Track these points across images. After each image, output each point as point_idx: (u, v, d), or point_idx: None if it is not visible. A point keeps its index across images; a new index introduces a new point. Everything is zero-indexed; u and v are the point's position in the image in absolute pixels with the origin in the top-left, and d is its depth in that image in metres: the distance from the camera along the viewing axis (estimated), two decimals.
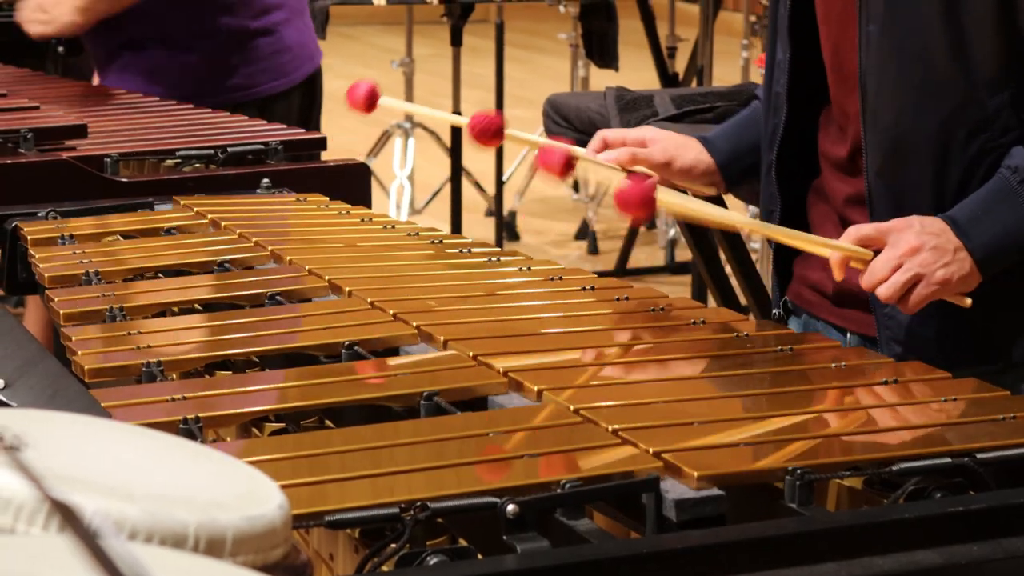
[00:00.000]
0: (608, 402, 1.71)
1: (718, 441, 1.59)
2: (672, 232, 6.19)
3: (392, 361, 1.89)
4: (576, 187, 6.92)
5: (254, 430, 1.86)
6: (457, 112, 5.92)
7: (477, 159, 6.78)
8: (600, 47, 5.90)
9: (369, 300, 2.09)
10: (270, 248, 2.35)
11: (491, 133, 2.17)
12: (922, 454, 1.57)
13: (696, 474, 1.49)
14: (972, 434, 1.65)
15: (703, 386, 1.80)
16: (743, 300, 3.99)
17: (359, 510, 1.42)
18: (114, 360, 1.87)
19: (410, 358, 1.91)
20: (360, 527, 1.54)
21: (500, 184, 6.29)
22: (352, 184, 2.89)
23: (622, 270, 6.09)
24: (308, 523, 1.42)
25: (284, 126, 3.16)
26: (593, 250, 6.49)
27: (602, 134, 2.26)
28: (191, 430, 1.61)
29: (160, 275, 2.31)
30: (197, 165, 2.92)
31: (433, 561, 1.39)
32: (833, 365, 1.87)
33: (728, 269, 3.99)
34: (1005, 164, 2.02)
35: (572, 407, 1.68)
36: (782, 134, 2.22)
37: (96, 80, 3.80)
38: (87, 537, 0.87)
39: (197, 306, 2.17)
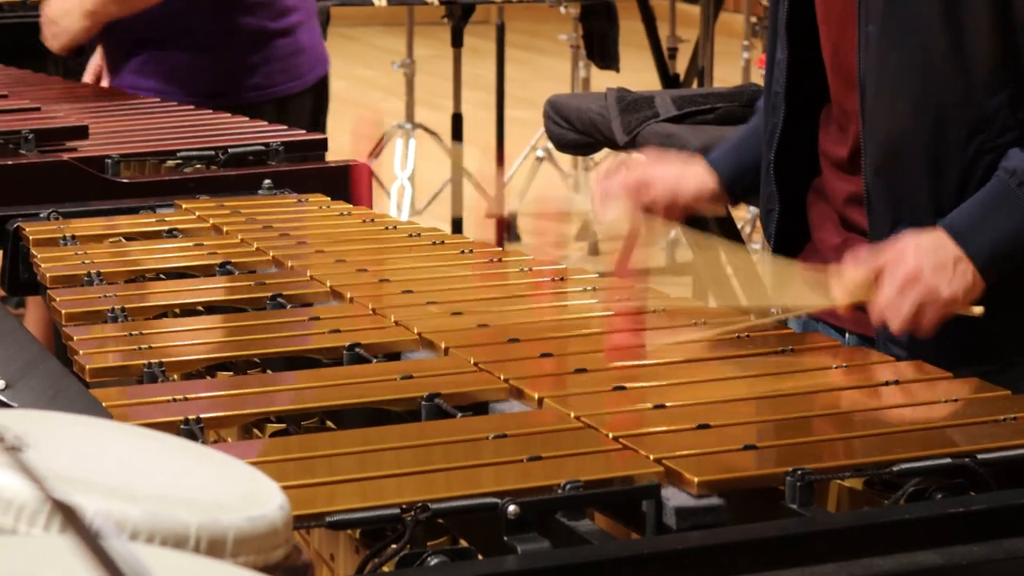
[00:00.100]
0: (608, 408, 1.71)
1: (719, 445, 1.59)
2: (672, 233, 6.18)
3: (393, 366, 1.89)
4: (577, 188, 6.92)
5: (255, 431, 1.86)
6: (458, 114, 5.92)
7: (478, 160, 6.78)
8: (601, 48, 5.90)
9: (370, 306, 2.09)
10: (271, 254, 2.35)
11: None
12: (923, 455, 1.57)
13: (697, 480, 1.49)
14: (973, 435, 1.64)
15: (704, 388, 1.80)
16: (744, 300, 3.99)
17: (360, 511, 1.42)
18: (115, 361, 1.87)
19: (411, 363, 1.91)
20: (361, 528, 1.54)
21: (501, 185, 6.29)
22: (353, 185, 2.89)
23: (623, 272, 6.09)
24: (309, 524, 1.42)
25: (285, 127, 3.16)
26: (594, 251, 6.49)
27: (604, 188, 2.28)
28: (192, 431, 1.61)
29: (162, 277, 2.31)
30: (198, 166, 2.92)
31: (434, 562, 1.39)
32: (834, 366, 1.87)
33: (728, 270, 3.99)
34: (1002, 167, 2.02)
35: (573, 413, 1.68)
36: (780, 133, 2.22)
37: (106, 80, 3.78)
38: (89, 538, 0.87)
39: (199, 307, 2.17)
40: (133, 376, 1.84)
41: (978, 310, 1.98)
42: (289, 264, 2.30)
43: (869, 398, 1.79)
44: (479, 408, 1.76)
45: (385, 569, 1.42)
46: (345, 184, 2.85)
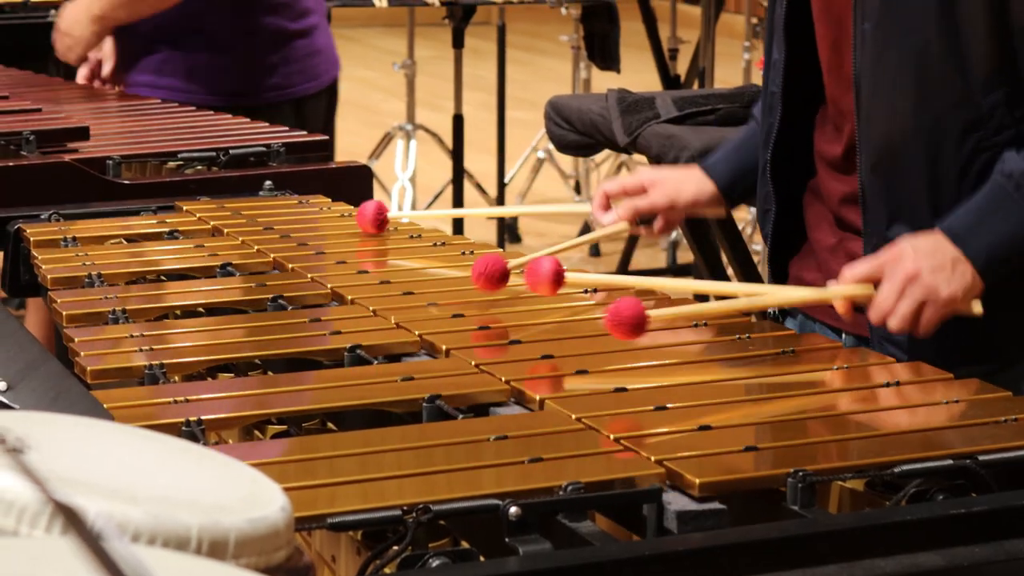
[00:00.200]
0: (609, 409, 1.71)
1: (720, 447, 1.59)
2: (674, 234, 6.18)
3: (394, 368, 1.89)
4: (578, 189, 6.92)
5: (256, 433, 1.86)
6: (459, 115, 5.92)
7: (479, 161, 6.78)
8: (602, 49, 5.90)
9: (372, 308, 2.09)
10: (272, 255, 2.35)
11: (496, 277, 2.12)
12: (924, 456, 1.57)
13: (698, 481, 1.49)
14: (974, 436, 1.65)
15: (705, 390, 1.80)
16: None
17: (361, 512, 1.42)
18: (117, 362, 1.87)
19: (412, 365, 1.91)
20: (362, 529, 1.54)
21: (502, 186, 6.29)
22: (354, 186, 2.90)
23: (624, 272, 6.09)
24: (310, 525, 1.42)
25: (285, 128, 3.16)
26: (595, 252, 6.49)
27: (603, 189, 2.34)
28: (193, 432, 1.61)
29: (163, 278, 2.31)
30: (199, 167, 2.92)
31: (435, 563, 1.39)
32: (835, 367, 1.87)
33: (730, 271, 3.99)
34: (998, 171, 2.02)
35: (574, 415, 1.68)
36: (777, 133, 2.23)
37: (108, 67, 3.75)
38: (90, 539, 0.87)
39: (200, 309, 2.17)
40: (134, 378, 1.84)
41: (977, 309, 1.98)
42: (290, 266, 2.30)
43: (870, 399, 1.79)
44: (480, 410, 1.76)
45: (387, 571, 1.42)
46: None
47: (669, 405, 1.72)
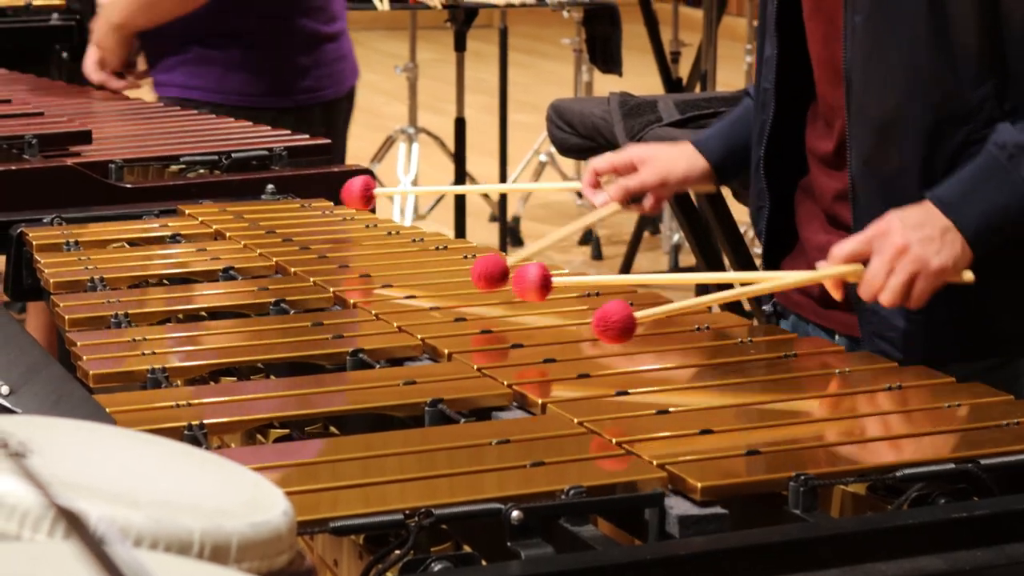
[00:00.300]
0: (611, 414, 1.71)
1: (722, 451, 1.59)
2: (676, 237, 6.18)
3: (396, 372, 1.89)
4: (580, 192, 6.92)
5: (258, 437, 1.86)
6: (461, 118, 5.92)
7: (481, 164, 6.78)
8: (604, 52, 5.90)
9: (373, 312, 2.09)
10: (275, 259, 2.35)
11: (496, 277, 2.11)
12: (926, 460, 1.57)
13: (700, 486, 1.49)
14: (976, 440, 1.65)
15: (706, 394, 1.80)
16: (747, 306, 3.99)
17: (363, 516, 1.42)
18: (119, 366, 1.87)
19: (414, 369, 1.91)
20: (364, 533, 1.54)
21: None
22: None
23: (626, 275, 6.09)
24: (313, 529, 1.42)
25: (288, 132, 3.15)
26: (597, 255, 6.49)
27: (592, 167, 2.35)
28: (195, 436, 1.61)
29: (165, 282, 2.32)
30: (201, 171, 2.93)
31: (437, 567, 1.39)
32: (836, 371, 1.87)
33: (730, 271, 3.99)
34: (992, 141, 2.01)
35: (576, 419, 1.68)
36: (770, 130, 2.23)
37: (109, 70, 3.75)
38: (92, 543, 0.87)
39: (202, 313, 2.17)
40: (136, 382, 1.84)
41: (968, 276, 1.97)
42: (292, 270, 2.30)
43: (872, 403, 1.79)
44: (482, 414, 1.76)
45: (389, 575, 1.42)
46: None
47: (671, 409, 1.72)
